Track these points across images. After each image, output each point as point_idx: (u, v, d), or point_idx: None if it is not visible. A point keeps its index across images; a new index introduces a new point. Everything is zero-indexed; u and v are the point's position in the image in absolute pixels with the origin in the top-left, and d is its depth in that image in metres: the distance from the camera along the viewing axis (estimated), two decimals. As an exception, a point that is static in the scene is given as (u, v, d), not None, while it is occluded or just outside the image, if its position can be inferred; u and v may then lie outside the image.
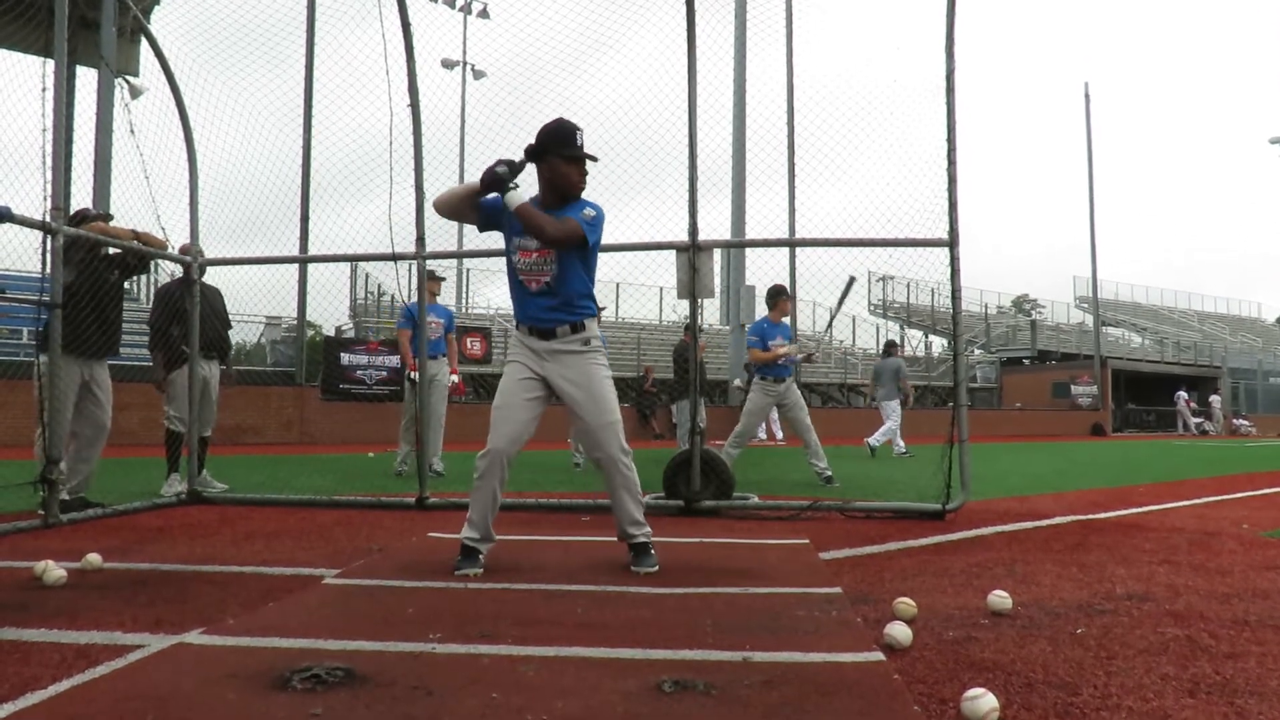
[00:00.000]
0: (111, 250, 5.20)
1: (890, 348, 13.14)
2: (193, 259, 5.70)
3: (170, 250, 5.56)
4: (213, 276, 6.15)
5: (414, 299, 5.65)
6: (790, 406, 7.17)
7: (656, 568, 3.20)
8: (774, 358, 6.98)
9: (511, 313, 3.45)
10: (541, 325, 3.26)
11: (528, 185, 3.29)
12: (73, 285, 4.66)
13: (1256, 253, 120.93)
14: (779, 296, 7.26)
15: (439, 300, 7.77)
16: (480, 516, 3.19)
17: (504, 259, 3.39)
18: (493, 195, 3.22)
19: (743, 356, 7.48)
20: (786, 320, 7.32)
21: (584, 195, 3.31)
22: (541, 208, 3.25)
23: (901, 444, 11.77)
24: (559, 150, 3.20)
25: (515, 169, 3.20)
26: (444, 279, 7.84)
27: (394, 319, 8.09)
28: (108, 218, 5.25)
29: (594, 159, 3.27)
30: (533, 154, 3.23)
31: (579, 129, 3.24)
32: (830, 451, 11.54)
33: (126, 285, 5.78)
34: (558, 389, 3.26)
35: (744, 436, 7.07)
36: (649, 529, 3.35)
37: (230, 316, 6.55)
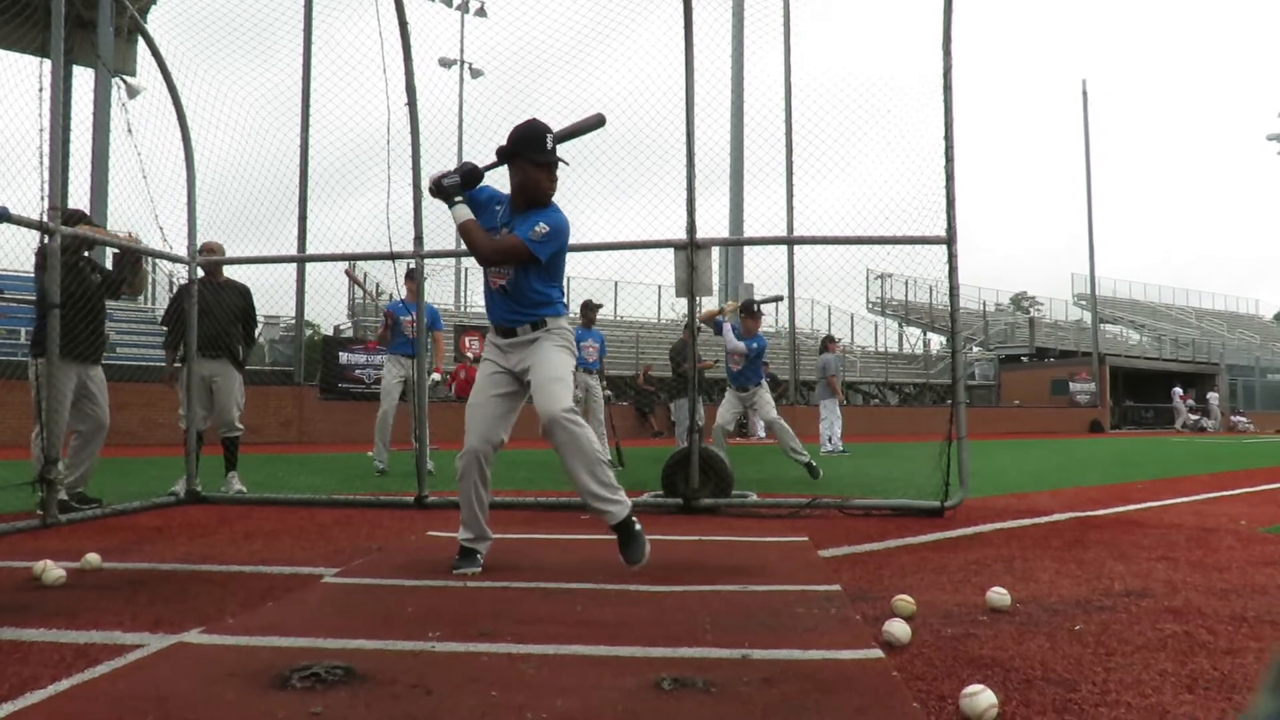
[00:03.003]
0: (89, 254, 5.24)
1: (824, 343, 13.08)
2: (190, 258, 5.70)
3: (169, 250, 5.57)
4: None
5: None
6: (757, 408, 7.46)
7: (644, 559, 3.08)
8: (708, 315, 7.22)
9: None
10: (504, 325, 3.28)
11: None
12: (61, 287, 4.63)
13: (1254, 249, 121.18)
14: (744, 314, 7.47)
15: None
16: (470, 516, 3.19)
17: None
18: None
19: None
20: (761, 334, 7.50)
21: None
22: (510, 209, 3.22)
23: (828, 444, 11.79)
24: (529, 154, 3.14)
25: (469, 177, 3.16)
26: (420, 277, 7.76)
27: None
28: (91, 223, 5.25)
29: (564, 163, 3.21)
30: (504, 155, 3.18)
31: (550, 132, 3.17)
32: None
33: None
34: (523, 374, 3.25)
35: (716, 432, 7.31)
36: (620, 504, 3.12)
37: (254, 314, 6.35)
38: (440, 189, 3.16)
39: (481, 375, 3.30)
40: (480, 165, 3.20)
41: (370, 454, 7.82)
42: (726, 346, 7.30)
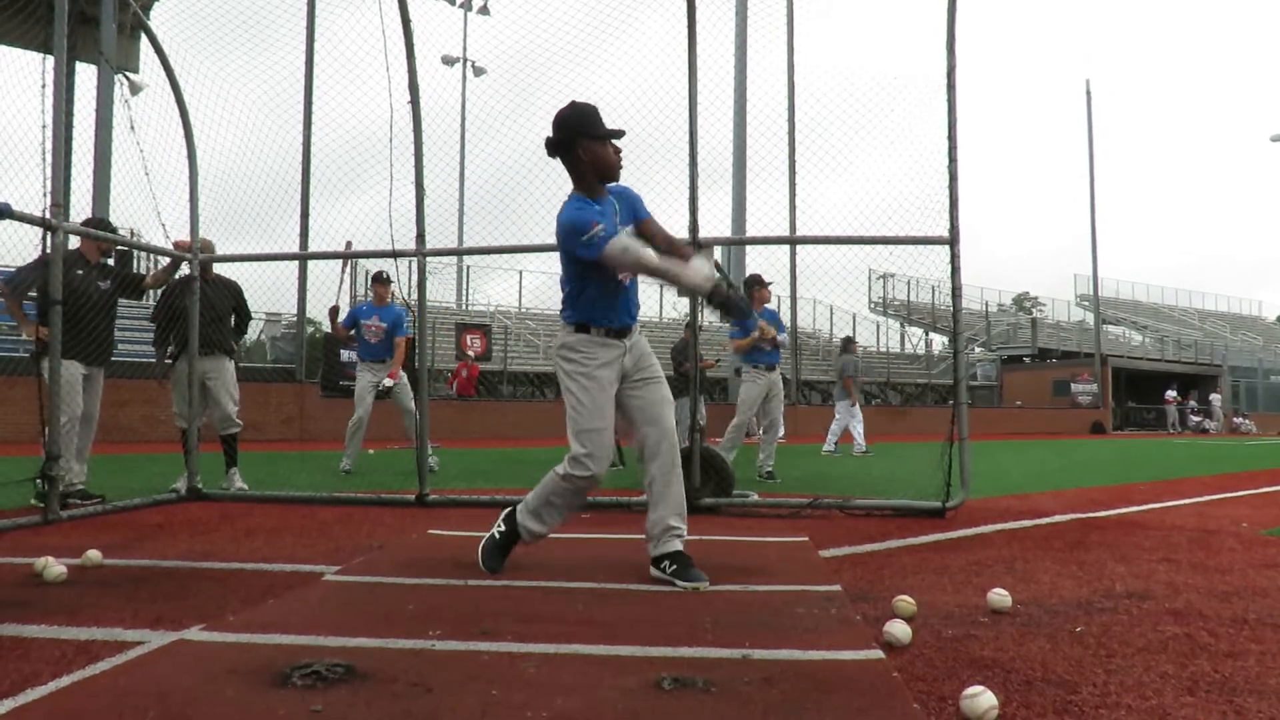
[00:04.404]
0: (103, 259, 5.25)
1: (845, 344, 13.02)
2: (193, 255, 5.69)
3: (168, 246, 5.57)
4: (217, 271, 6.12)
5: (414, 296, 5.65)
6: (774, 397, 7.18)
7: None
8: (750, 343, 7.04)
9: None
10: (626, 325, 3.12)
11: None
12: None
13: (1258, 251, 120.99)
14: (754, 286, 7.27)
15: (390, 302, 7.61)
16: (554, 517, 3.19)
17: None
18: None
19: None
20: (769, 306, 7.33)
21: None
22: (582, 198, 3.05)
23: (831, 445, 11.74)
24: (591, 133, 3.00)
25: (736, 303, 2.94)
26: (390, 281, 7.59)
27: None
28: (110, 227, 5.28)
29: (622, 133, 3.06)
30: (559, 145, 3.03)
31: (596, 108, 3.05)
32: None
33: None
34: (635, 374, 3.16)
35: (740, 430, 7.05)
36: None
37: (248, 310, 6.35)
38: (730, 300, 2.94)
39: (603, 393, 3.04)
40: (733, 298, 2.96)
41: (372, 451, 7.84)
42: (774, 337, 7.03)
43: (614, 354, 3.08)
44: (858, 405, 11.98)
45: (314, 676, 1.90)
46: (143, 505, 5.11)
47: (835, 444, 11.75)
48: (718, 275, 2.95)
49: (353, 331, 7.64)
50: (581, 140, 3.00)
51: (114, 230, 5.36)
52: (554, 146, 3.05)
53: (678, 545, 3.01)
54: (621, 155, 3.08)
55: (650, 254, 2.91)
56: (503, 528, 3.17)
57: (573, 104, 3.07)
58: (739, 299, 2.95)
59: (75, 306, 4.74)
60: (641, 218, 3.12)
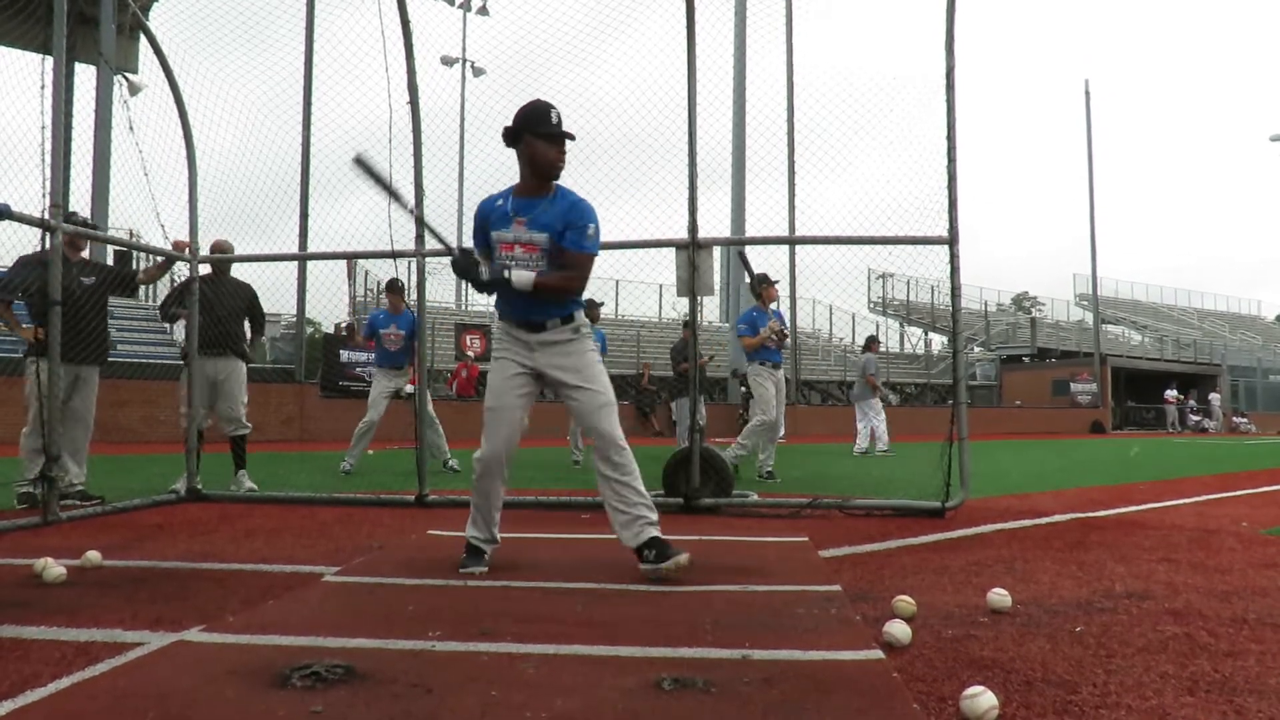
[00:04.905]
0: (87, 257, 5.26)
1: (867, 343, 12.98)
2: (191, 257, 5.69)
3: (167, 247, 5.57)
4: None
5: (414, 296, 5.65)
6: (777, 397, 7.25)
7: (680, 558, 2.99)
8: (760, 340, 7.07)
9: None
10: (533, 320, 3.16)
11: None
12: (40, 288, 4.54)
13: (1257, 251, 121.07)
14: (764, 284, 7.31)
15: (406, 308, 7.60)
16: (482, 517, 3.20)
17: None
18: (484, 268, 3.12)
19: (743, 355, 7.53)
20: (774, 306, 7.38)
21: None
22: (523, 193, 3.15)
23: (863, 444, 11.64)
24: (535, 129, 3.08)
25: (468, 258, 3.12)
26: (404, 289, 7.59)
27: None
28: (88, 224, 5.28)
29: (571, 137, 3.14)
30: (510, 135, 3.13)
31: (553, 107, 3.13)
32: (829, 449, 11.62)
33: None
34: (552, 375, 3.20)
35: (763, 430, 7.05)
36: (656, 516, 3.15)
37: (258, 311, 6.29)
38: (483, 281, 3.11)
39: (502, 376, 3.19)
40: (459, 248, 3.17)
41: (372, 451, 7.84)
42: (784, 335, 7.23)
43: (517, 345, 3.19)
44: (860, 404, 11.97)
45: (314, 677, 1.90)
46: (142, 506, 5.11)
47: (873, 443, 11.65)
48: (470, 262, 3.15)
49: (373, 340, 7.74)
50: (526, 135, 3.09)
51: (86, 224, 5.36)
52: (506, 138, 3.14)
53: (652, 532, 3.06)
54: (564, 156, 3.13)
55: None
56: (466, 549, 3.23)
57: (533, 101, 3.15)
58: (472, 274, 3.13)
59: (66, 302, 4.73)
60: (564, 245, 3.10)
